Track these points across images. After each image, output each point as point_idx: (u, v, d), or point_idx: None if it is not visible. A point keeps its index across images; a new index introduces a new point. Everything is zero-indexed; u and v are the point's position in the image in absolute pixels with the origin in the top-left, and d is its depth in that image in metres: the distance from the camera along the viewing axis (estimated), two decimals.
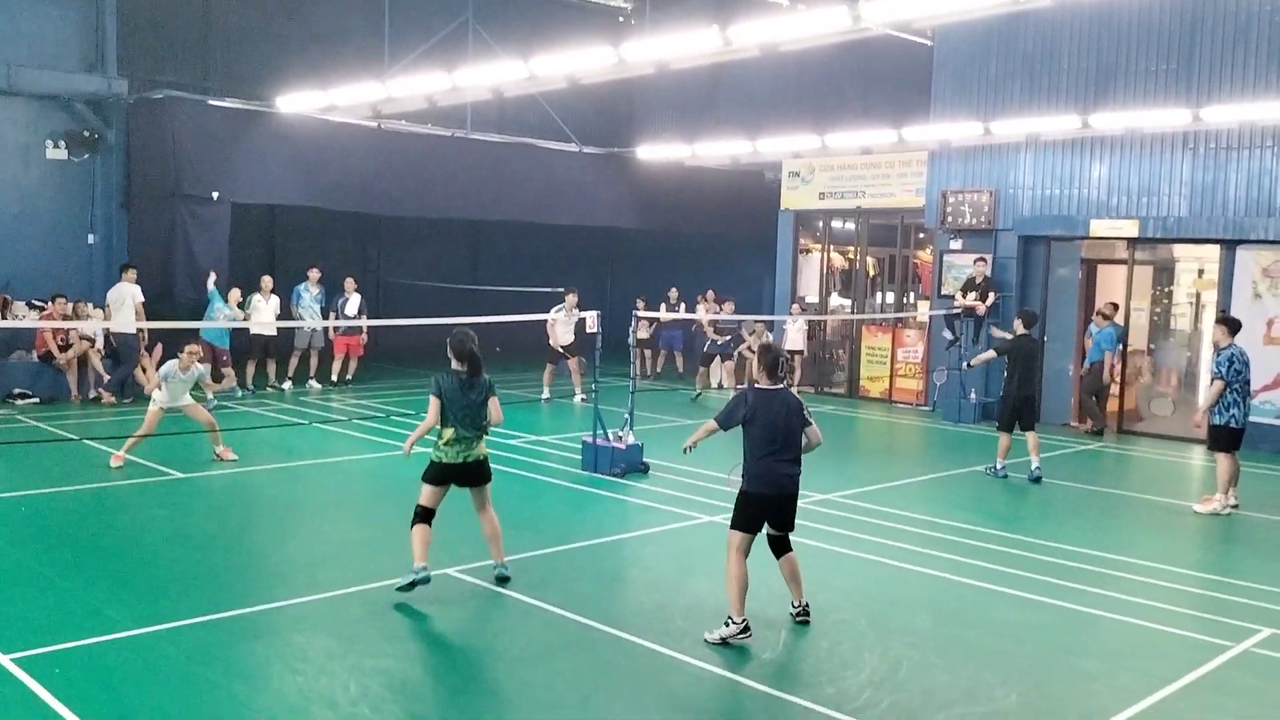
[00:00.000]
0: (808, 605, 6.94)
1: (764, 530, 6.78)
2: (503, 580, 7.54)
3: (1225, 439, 10.64)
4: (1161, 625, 7.15)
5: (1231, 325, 10.78)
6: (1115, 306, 15.71)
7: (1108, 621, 7.22)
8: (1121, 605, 7.52)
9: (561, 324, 16.94)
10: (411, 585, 7.12)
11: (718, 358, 19.22)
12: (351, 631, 6.52)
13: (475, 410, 7.30)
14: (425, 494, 7.35)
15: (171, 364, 11.44)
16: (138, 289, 15.65)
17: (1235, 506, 10.63)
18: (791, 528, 6.86)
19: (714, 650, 6.33)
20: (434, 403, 7.27)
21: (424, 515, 7.33)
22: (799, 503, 6.86)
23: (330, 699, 5.47)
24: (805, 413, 6.71)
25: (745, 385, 6.76)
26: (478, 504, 7.58)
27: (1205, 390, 11.06)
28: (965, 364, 14.68)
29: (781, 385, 6.71)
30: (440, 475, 7.35)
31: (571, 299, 16.78)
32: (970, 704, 5.71)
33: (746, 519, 6.66)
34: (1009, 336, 12.97)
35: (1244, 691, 6.06)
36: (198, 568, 7.86)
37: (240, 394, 16.28)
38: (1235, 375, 10.51)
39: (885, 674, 6.08)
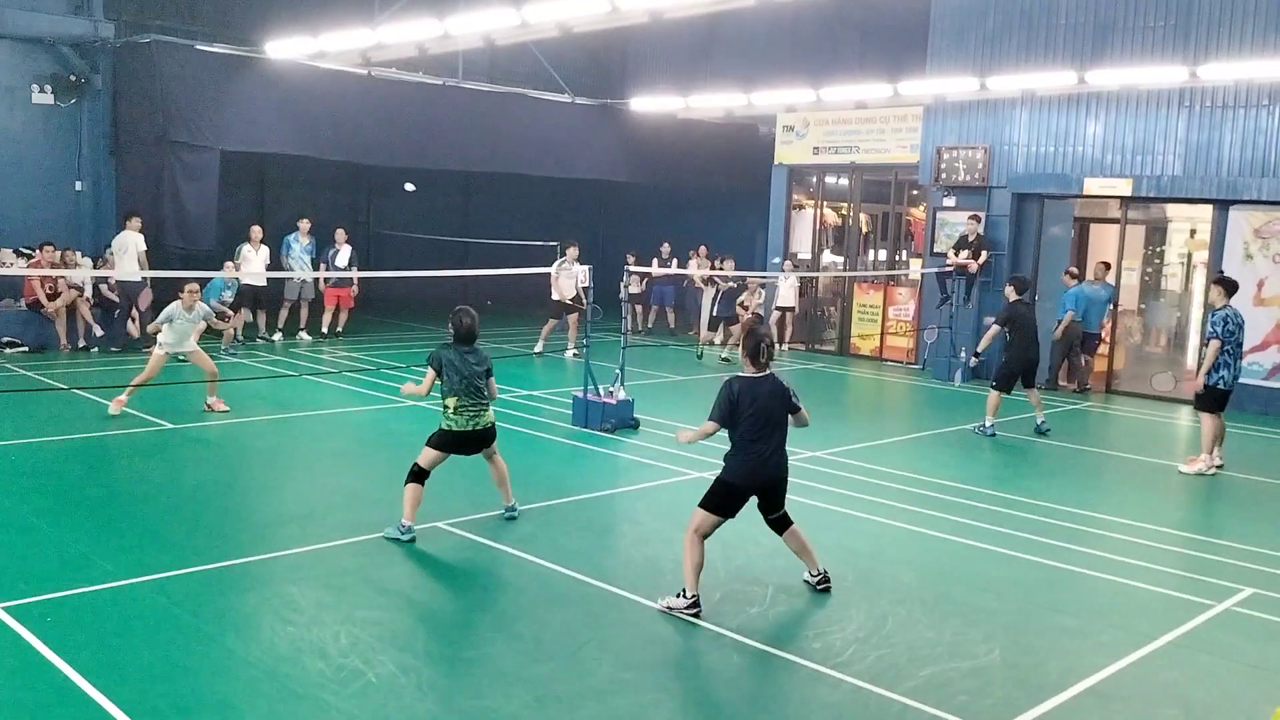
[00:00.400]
0: (827, 572, 6.77)
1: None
2: (512, 518, 7.93)
3: (1213, 400, 10.67)
4: (1144, 584, 7.23)
5: (1228, 286, 10.73)
6: (1107, 266, 15.72)
7: (1091, 579, 7.30)
8: (1105, 563, 7.60)
9: (565, 277, 16.83)
10: (396, 541, 7.32)
11: (723, 323, 18.38)
12: (343, 583, 6.56)
13: (475, 379, 7.47)
14: (426, 456, 7.50)
15: (174, 305, 11.33)
16: (140, 237, 15.59)
17: (1220, 466, 10.72)
18: (781, 508, 6.65)
19: (702, 604, 6.38)
20: (429, 374, 7.50)
21: (419, 475, 7.45)
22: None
23: (321, 649, 5.52)
24: (793, 398, 6.49)
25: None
26: (486, 455, 7.88)
27: (1197, 351, 11.10)
28: (974, 354, 14.07)
29: (767, 372, 6.47)
30: (447, 442, 7.52)
31: (573, 251, 16.66)
32: (954, 659, 5.79)
33: (720, 504, 6.42)
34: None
35: (1225, 650, 6.15)
36: (189, 518, 7.88)
37: (237, 349, 16.14)
38: (1229, 336, 10.50)
39: (871, 629, 6.15)
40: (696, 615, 6.20)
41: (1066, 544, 8.00)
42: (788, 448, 6.58)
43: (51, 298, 15.35)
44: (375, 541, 7.36)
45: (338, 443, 10.93)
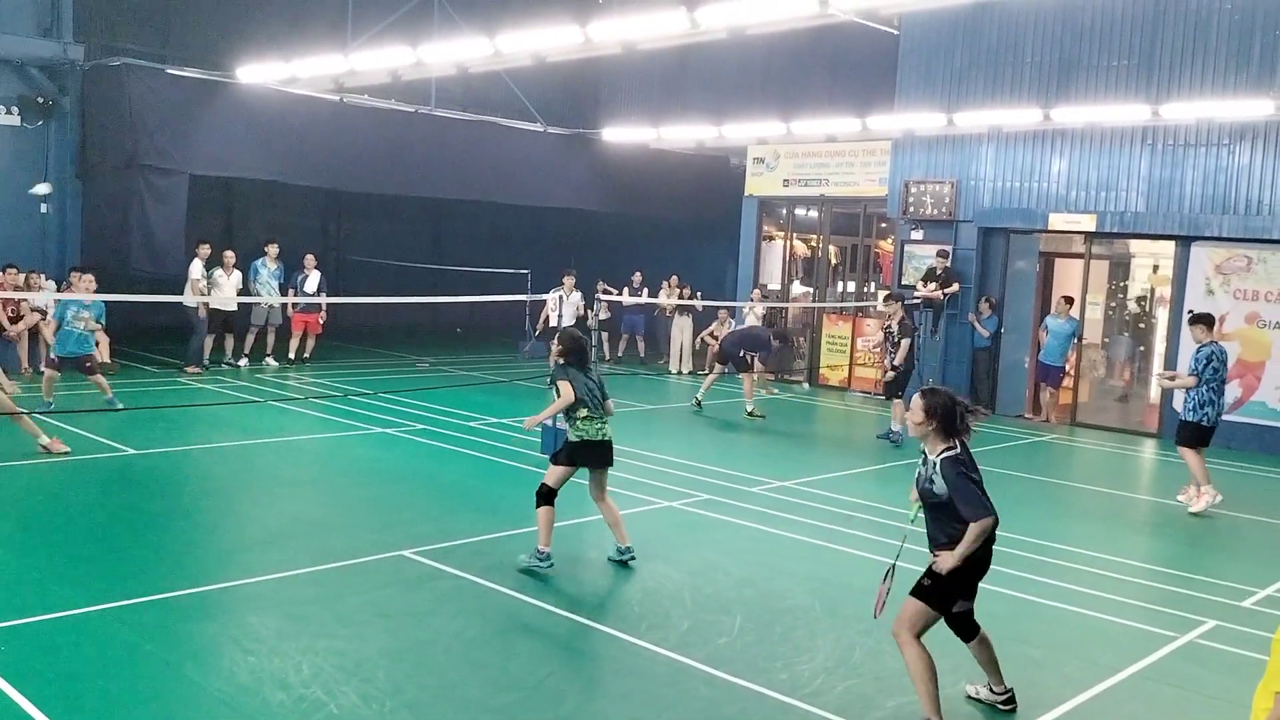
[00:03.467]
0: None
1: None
2: (628, 559, 7.75)
3: (1195, 435, 10.52)
4: (1110, 616, 7.27)
5: (1208, 321, 10.63)
6: (1069, 301, 15.92)
7: (1056, 611, 7.33)
8: (1070, 595, 7.64)
9: (566, 305, 16.69)
10: (530, 570, 7.39)
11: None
12: (304, 612, 6.48)
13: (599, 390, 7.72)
14: (554, 475, 7.60)
15: None
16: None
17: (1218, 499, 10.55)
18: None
19: (669, 634, 6.36)
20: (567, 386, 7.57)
21: (549, 496, 7.53)
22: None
23: (282, 680, 5.43)
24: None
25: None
26: (600, 490, 7.84)
27: (1157, 379, 11.18)
28: (892, 367, 13.80)
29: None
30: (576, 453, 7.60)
31: (569, 281, 16.42)
32: None
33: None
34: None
35: (1187, 681, 6.19)
36: (150, 546, 7.76)
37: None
38: (1212, 374, 10.35)
39: (838, 660, 6.14)
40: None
41: (1032, 575, 8.03)
42: None
43: (14, 320, 15.14)
44: (337, 570, 7.27)
45: (302, 470, 10.81)
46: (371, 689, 5.43)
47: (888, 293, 14.63)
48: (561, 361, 7.65)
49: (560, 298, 16.63)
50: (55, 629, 6.00)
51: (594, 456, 7.62)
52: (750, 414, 14.66)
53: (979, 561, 5.41)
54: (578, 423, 7.57)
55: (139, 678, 5.43)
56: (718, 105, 21.00)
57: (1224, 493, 10.61)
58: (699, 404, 15.49)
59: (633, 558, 7.75)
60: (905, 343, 13.41)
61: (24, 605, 6.30)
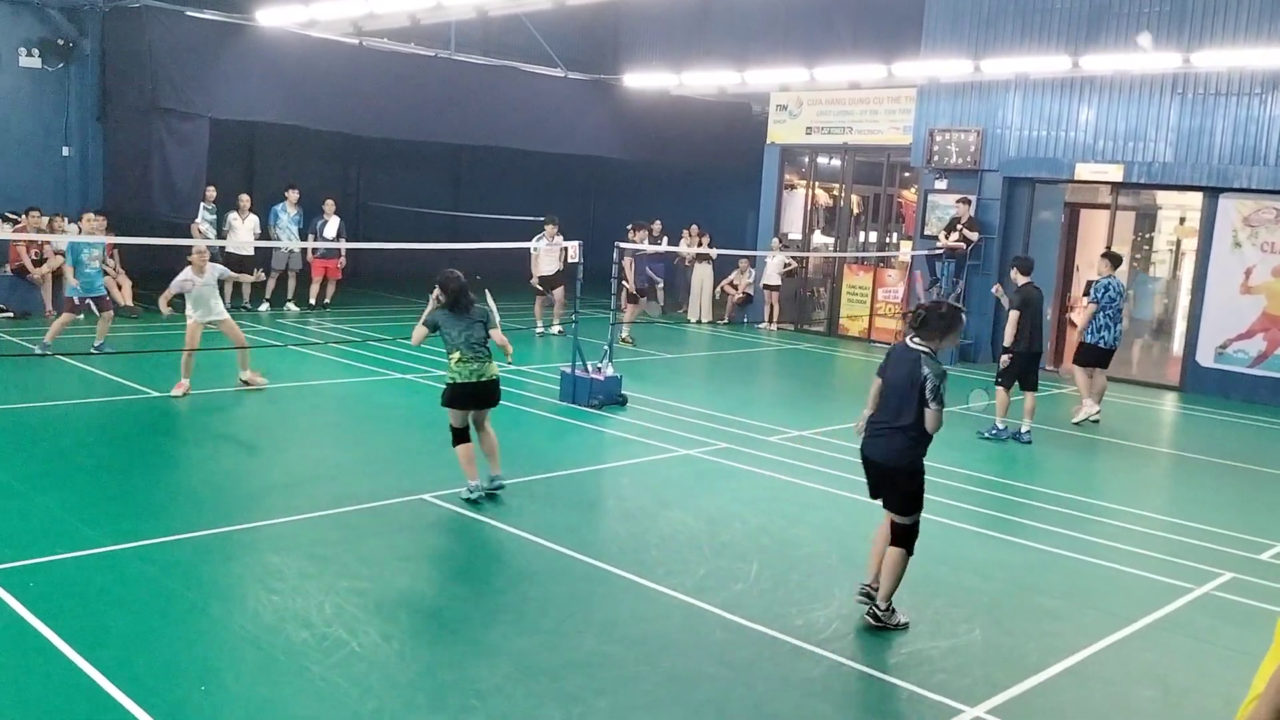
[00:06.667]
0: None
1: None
2: (498, 489, 7.92)
3: (1090, 356, 11.81)
4: (1125, 567, 7.28)
5: (1114, 259, 11.94)
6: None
7: (1073, 561, 7.35)
8: (1087, 546, 7.65)
9: (544, 255, 16.65)
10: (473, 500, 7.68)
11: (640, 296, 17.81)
12: (327, 553, 6.56)
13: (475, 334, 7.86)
14: (451, 416, 7.85)
15: (185, 271, 10.78)
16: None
17: (1095, 417, 11.86)
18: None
19: (686, 580, 6.41)
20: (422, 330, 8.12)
21: (459, 436, 7.81)
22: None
23: (305, 619, 5.52)
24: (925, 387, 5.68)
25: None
26: (477, 422, 7.97)
27: (1087, 320, 11.88)
28: (1004, 350, 11.10)
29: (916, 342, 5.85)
30: (455, 396, 7.79)
31: (551, 228, 16.48)
32: (935, 638, 5.82)
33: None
34: (1003, 297, 11.63)
35: (1203, 633, 6.21)
36: (174, 487, 7.86)
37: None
38: (1109, 302, 11.63)
39: (854, 607, 6.18)
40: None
41: (1049, 527, 8.05)
42: None
43: (37, 263, 15.24)
44: (359, 512, 7.36)
45: (323, 414, 10.90)
46: (392, 629, 5.51)
47: (1015, 258, 11.58)
48: (437, 304, 7.97)
49: (544, 246, 16.40)
50: (82, 567, 6.10)
51: (468, 398, 7.77)
52: (625, 340, 15.90)
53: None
54: (450, 365, 7.82)
55: (164, 615, 5.52)
56: (740, 51, 20.72)
57: (1246, 447, 10.56)
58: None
59: (501, 487, 7.91)
60: (1013, 315, 10.76)
61: (52, 543, 6.40)
